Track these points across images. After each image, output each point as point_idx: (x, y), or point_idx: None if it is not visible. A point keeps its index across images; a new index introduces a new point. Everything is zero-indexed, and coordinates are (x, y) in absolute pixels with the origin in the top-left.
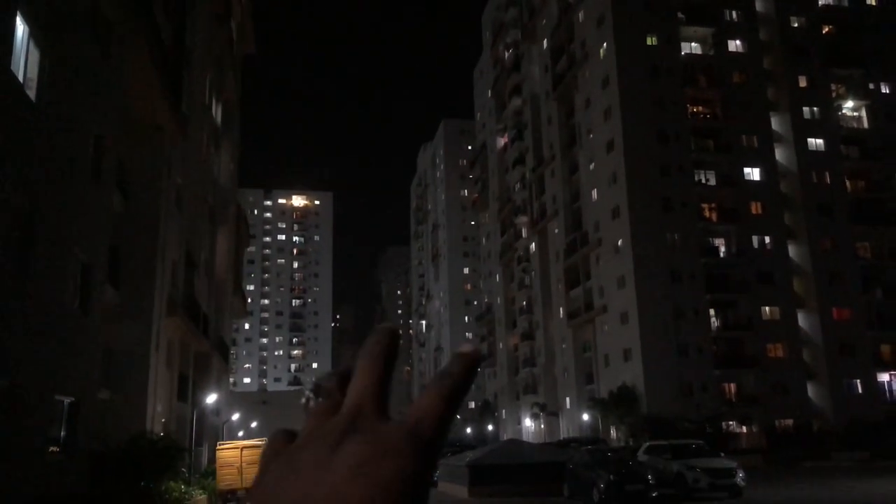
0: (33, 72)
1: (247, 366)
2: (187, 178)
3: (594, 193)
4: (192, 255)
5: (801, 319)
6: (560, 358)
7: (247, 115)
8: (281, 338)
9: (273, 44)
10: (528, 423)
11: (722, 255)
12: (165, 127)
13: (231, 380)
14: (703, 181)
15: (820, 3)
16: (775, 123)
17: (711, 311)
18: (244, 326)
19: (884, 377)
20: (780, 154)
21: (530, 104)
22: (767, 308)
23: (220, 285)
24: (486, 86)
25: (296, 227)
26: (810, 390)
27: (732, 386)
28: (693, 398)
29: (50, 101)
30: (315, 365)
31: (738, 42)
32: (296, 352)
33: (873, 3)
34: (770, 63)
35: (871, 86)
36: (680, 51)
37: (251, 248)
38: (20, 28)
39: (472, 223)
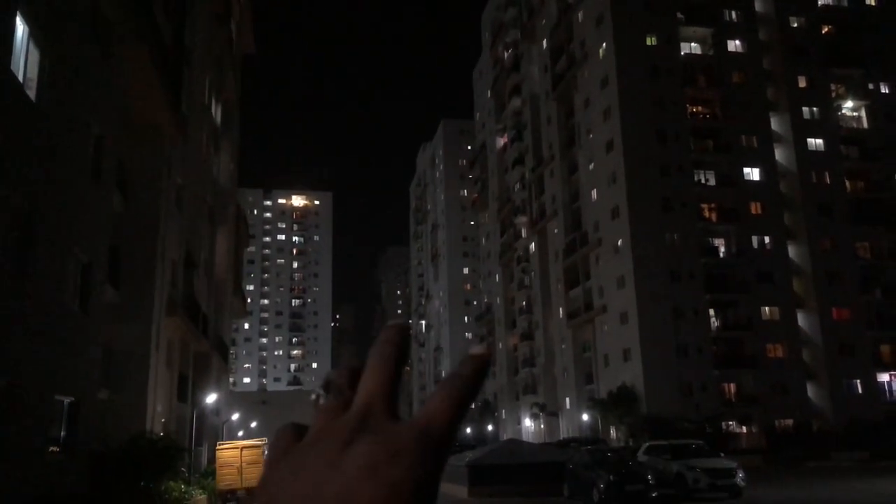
0: (33, 72)
1: (246, 366)
2: (187, 178)
3: (594, 193)
4: (192, 255)
5: (801, 319)
6: (560, 358)
7: (247, 115)
8: (280, 338)
9: (273, 44)
10: (527, 423)
11: (721, 255)
12: (165, 127)
13: (231, 380)
14: (703, 181)
15: (819, 3)
16: (775, 123)
17: (711, 311)
18: (244, 326)
19: (883, 377)
20: (779, 154)
21: (530, 104)
22: (767, 308)
23: (219, 285)
24: (485, 86)
25: (295, 227)
26: (810, 390)
27: (732, 386)
28: (693, 398)
29: (50, 101)
30: (315, 365)
31: (737, 42)
32: (295, 352)
33: (873, 3)
34: (770, 63)
35: (871, 86)
36: (679, 51)
37: (251, 248)
38: (20, 28)
39: (472, 223)
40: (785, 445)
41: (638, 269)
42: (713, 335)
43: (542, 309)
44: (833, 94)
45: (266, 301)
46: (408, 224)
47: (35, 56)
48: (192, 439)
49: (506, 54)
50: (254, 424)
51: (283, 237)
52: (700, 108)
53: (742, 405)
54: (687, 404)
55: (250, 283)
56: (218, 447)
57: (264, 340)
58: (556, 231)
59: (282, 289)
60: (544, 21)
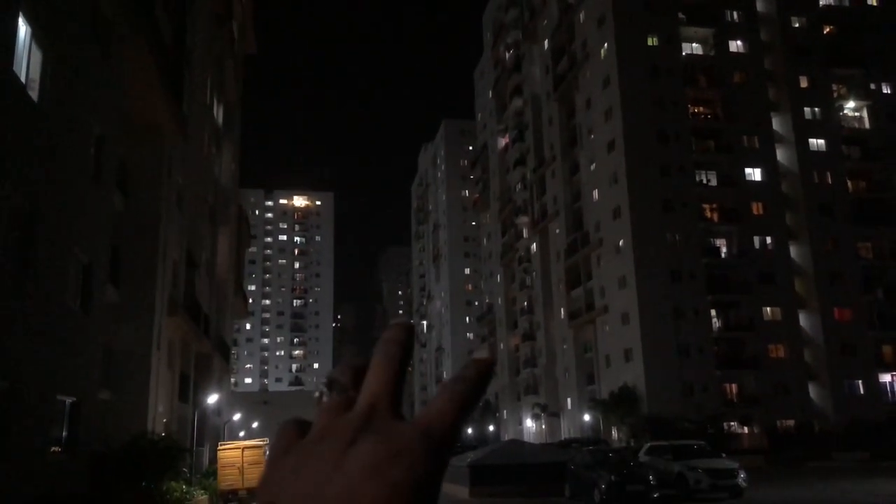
0: (35, 72)
1: (248, 366)
2: (188, 178)
3: (595, 194)
4: (193, 255)
5: (803, 320)
6: (561, 358)
7: (248, 116)
8: (282, 338)
9: (274, 44)
10: (529, 423)
11: (723, 255)
12: (166, 127)
13: (232, 380)
14: (704, 181)
15: (821, 3)
16: (776, 124)
17: (712, 312)
18: (245, 327)
19: (885, 378)
20: (781, 154)
21: (531, 105)
22: (769, 308)
23: (221, 285)
24: (486, 86)
25: (297, 227)
26: (811, 391)
27: (733, 386)
28: (694, 399)
29: (51, 101)
30: (316, 365)
31: (738, 42)
32: (297, 352)
33: (874, 4)
34: (771, 63)
35: (873, 86)
36: (681, 51)
37: (252, 249)
38: (22, 29)
39: (473, 223)
40: (786, 446)
41: (639, 270)
42: (714, 335)
43: (543, 309)
44: (834, 95)
45: (268, 301)
46: (409, 224)
47: (37, 57)
48: (194, 440)
49: (507, 55)
50: (255, 425)
51: (284, 237)
52: (701, 109)
53: (743, 405)
54: (688, 405)
55: (252, 284)
56: (219, 447)
57: (266, 341)
58: (557, 231)
59: (283, 289)
60: (546, 21)
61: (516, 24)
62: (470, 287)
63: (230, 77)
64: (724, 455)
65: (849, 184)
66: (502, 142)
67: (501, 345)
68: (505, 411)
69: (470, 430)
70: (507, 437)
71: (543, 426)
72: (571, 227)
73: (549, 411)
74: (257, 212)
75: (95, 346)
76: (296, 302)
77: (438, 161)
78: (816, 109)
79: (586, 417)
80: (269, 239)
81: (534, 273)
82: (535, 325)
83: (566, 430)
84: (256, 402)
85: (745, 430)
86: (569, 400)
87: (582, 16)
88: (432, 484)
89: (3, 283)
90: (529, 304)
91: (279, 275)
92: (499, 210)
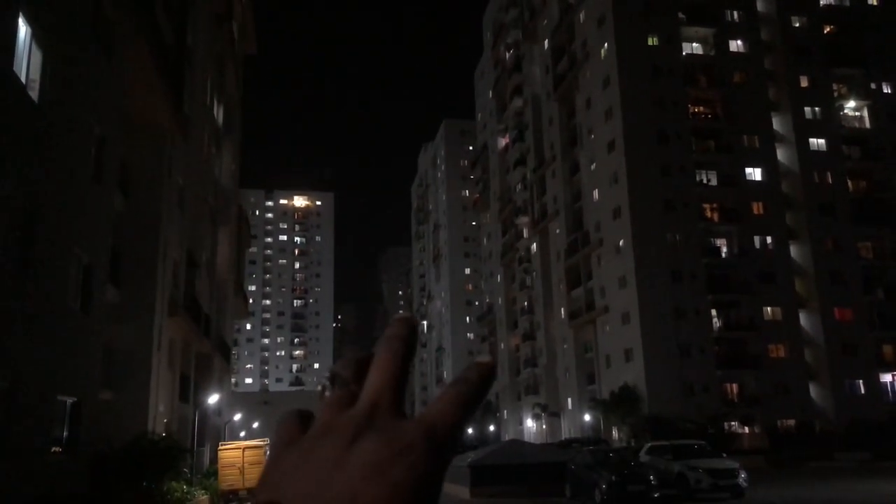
0: (35, 73)
1: (249, 366)
2: (189, 179)
3: (595, 194)
4: (194, 255)
5: (803, 320)
6: (561, 358)
7: (248, 116)
8: (282, 338)
9: (274, 44)
10: (529, 423)
11: (723, 255)
12: (166, 127)
13: (233, 380)
14: (705, 181)
15: (821, 2)
16: (777, 123)
17: (713, 312)
18: (246, 327)
19: (886, 377)
20: (781, 154)
21: (531, 105)
22: (769, 308)
23: (221, 286)
24: (486, 86)
25: (297, 227)
26: (812, 391)
27: (734, 386)
28: (695, 398)
29: (52, 101)
30: (316, 365)
31: (739, 42)
32: (297, 352)
33: (875, 3)
34: (771, 63)
35: (873, 85)
36: (681, 51)
37: (253, 249)
38: (22, 29)
39: (473, 224)
40: (787, 446)
41: (639, 270)
42: (715, 335)
43: (543, 309)
44: (835, 94)
45: (268, 301)
46: (409, 224)
47: (37, 57)
48: (195, 440)
49: (507, 55)
50: (256, 425)
51: (284, 237)
52: (701, 109)
53: (744, 405)
54: (689, 405)
55: (252, 284)
56: (220, 447)
57: (266, 341)
58: (557, 231)
59: (284, 289)
60: (546, 21)
61: (516, 24)
62: (470, 287)
63: (230, 77)
64: (724, 455)
65: (849, 183)
66: (502, 142)
67: (502, 345)
68: (505, 411)
69: (470, 431)
70: (507, 437)
71: (544, 426)
72: (572, 227)
73: (550, 411)
74: (257, 212)
75: (96, 347)
76: (296, 302)
77: (438, 161)
78: (817, 109)
79: (587, 417)
80: (269, 239)
81: (534, 273)
82: (535, 325)
83: (567, 430)
84: (257, 403)
85: (746, 430)
86: (569, 400)
87: (582, 16)
88: (433, 484)
89: (3, 283)
90: (530, 304)
91: (279, 275)
92: (499, 210)
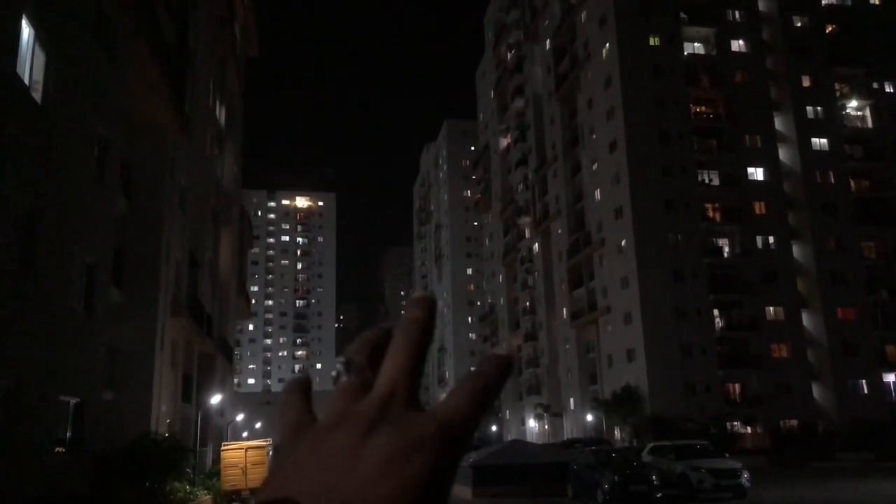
0: (39, 74)
1: (251, 366)
2: (191, 179)
3: (597, 194)
4: (196, 255)
5: (806, 319)
6: (563, 358)
7: (250, 117)
8: (285, 338)
9: (275, 45)
10: (531, 423)
11: (725, 255)
12: (169, 128)
13: (235, 380)
14: (707, 181)
15: (823, 2)
16: (778, 123)
17: (715, 312)
18: (248, 327)
19: (889, 377)
20: (783, 154)
21: (533, 105)
22: (771, 308)
23: (223, 286)
24: (488, 86)
25: (299, 227)
26: (815, 391)
27: (736, 386)
28: (697, 399)
29: (54, 102)
30: (319, 365)
31: (740, 42)
32: (300, 352)
33: (877, 2)
34: (773, 63)
35: (875, 85)
36: (682, 51)
37: (255, 249)
38: (26, 31)
39: (475, 224)
40: (790, 446)
41: (641, 270)
42: (717, 335)
43: (545, 309)
44: (837, 94)
45: (270, 302)
46: (411, 224)
47: (41, 58)
48: (197, 440)
49: (509, 55)
50: (258, 425)
51: (286, 238)
52: (703, 108)
53: (746, 405)
54: (691, 405)
55: (254, 284)
56: (223, 448)
57: (268, 341)
58: (559, 231)
59: (286, 289)
60: (547, 22)
61: (518, 24)
62: (472, 287)
63: (232, 78)
64: (727, 455)
65: (851, 183)
66: (504, 142)
67: (504, 345)
68: (507, 411)
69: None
70: (509, 437)
71: (546, 426)
72: (573, 227)
73: (552, 411)
74: (260, 212)
75: (99, 347)
76: (298, 302)
77: (440, 161)
78: (819, 109)
79: (589, 417)
80: (271, 239)
81: (536, 273)
82: (537, 326)
83: (569, 431)
84: (259, 403)
85: (749, 430)
86: (571, 400)
87: (583, 16)
88: (446, 480)
89: (5, 283)
90: (531, 304)
91: (282, 275)
92: (501, 210)
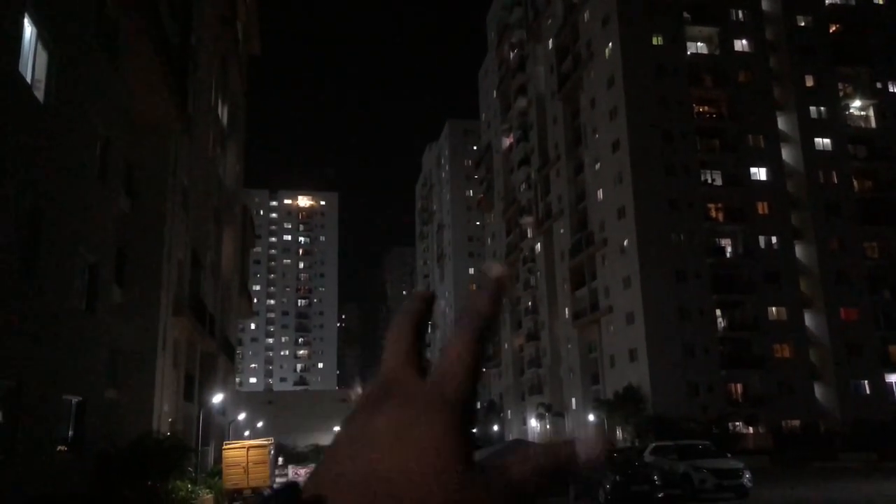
0: (41, 73)
1: (253, 366)
2: (193, 179)
3: (600, 193)
4: (198, 255)
5: (808, 320)
6: (565, 358)
7: (252, 116)
8: (287, 338)
9: (277, 44)
10: (533, 423)
11: (728, 255)
12: (171, 127)
13: (237, 380)
14: (709, 181)
15: (827, 1)
16: (782, 123)
17: (717, 312)
18: (250, 326)
19: (891, 378)
20: (786, 154)
21: (535, 104)
22: (774, 308)
23: (226, 285)
24: (491, 86)
25: (301, 227)
26: (817, 391)
27: (739, 386)
28: (699, 399)
29: (57, 101)
30: (320, 365)
31: (744, 41)
32: (301, 352)
33: (880, 2)
34: (776, 62)
35: (879, 85)
36: (685, 50)
37: (257, 249)
38: (28, 30)
39: (478, 223)
40: (792, 446)
41: (644, 270)
42: (720, 335)
43: (547, 309)
44: (840, 93)
45: (272, 301)
46: (413, 224)
47: (43, 58)
48: (199, 439)
49: (511, 54)
50: (260, 424)
51: (288, 237)
52: (706, 108)
53: (749, 406)
54: (693, 405)
55: (256, 284)
56: (224, 447)
57: (270, 340)
58: (561, 231)
59: (288, 289)
60: (550, 21)
61: (520, 23)
62: (474, 287)
63: (235, 78)
64: (729, 455)
65: (855, 183)
66: (506, 141)
67: (506, 345)
68: (509, 411)
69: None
70: (511, 436)
71: (548, 426)
72: (576, 226)
73: (554, 411)
74: (262, 212)
75: (101, 346)
76: (300, 302)
77: (443, 161)
78: (822, 108)
79: (591, 417)
80: (273, 239)
81: (538, 273)
82: (539, 325)
83: (571, 430)
84: (261, 402)
85: (751, 430)
86: (573, 400)
87: (586, 15)
88: (456, 439)
89: (8, 282)
90: (534, 304)
91: (284, 275)
92: (503, 210)
